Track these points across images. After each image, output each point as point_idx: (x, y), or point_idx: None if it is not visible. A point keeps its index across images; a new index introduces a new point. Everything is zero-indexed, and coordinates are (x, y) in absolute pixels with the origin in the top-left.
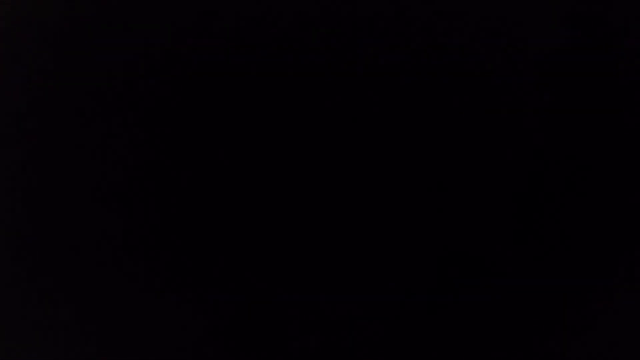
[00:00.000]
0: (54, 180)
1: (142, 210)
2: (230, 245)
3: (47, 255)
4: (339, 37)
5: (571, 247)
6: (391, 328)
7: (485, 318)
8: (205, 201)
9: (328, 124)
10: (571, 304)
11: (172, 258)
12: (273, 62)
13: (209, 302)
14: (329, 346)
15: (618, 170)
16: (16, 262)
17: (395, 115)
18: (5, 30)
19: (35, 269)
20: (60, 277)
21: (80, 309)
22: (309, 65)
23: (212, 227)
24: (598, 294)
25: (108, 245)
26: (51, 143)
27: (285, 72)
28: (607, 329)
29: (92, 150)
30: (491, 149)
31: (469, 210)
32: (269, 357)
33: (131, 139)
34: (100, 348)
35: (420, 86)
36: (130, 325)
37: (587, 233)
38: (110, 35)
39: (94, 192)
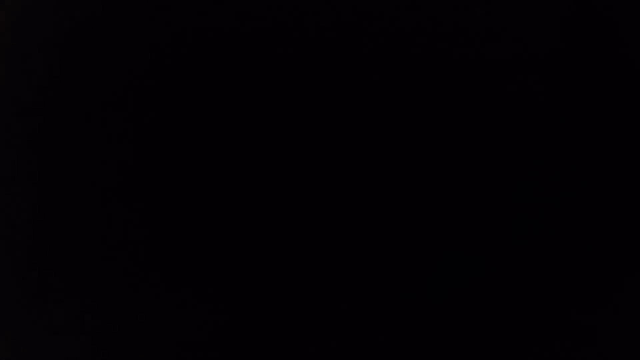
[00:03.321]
0: (56, 179)
1: (144, 209)
2: (229, 247)
3: (49, 254)
4: (338, 36)
5: (571, 248)
6: (390, 330)
7: (484, 319)
8: (206, 202)
9: (328, 125)
10: (571, 305)
11: (171, 259)
12: (272, 61)
13: (208, 304)
14: (327, 348)
15: (618, 171)
16: (19, 260)
17: (393, 116)
18: (6, 30)
19: (39, 267)
20: (61, 275)
21: (77, 308)
22: (309, 65)
23: (212, 228)
24: (598, 294)
25: (110, 245)
26: (51, 142)
27: (284, 72)
28: (607, 329)
29: (95, 149)
30: (489, 151)
31: (468, 211)
32: (267, 359)
33: (134, 138)
34: (100, 347)
35: (418, 88)
36: (128, 327)
37: (586, 234)
38: (110, 35)
39: (97, 191)
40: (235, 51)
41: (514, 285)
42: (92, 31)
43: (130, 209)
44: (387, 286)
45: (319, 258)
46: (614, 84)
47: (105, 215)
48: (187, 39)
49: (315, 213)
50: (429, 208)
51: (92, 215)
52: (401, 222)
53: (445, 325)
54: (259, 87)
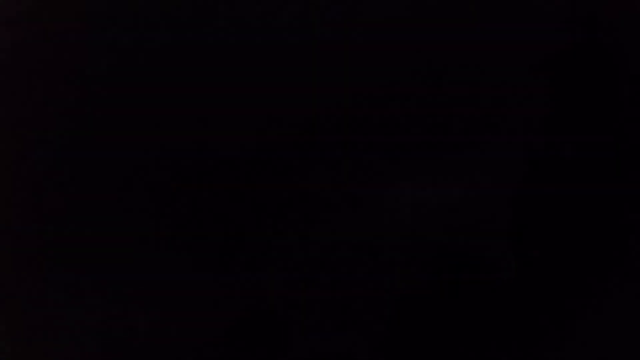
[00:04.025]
0: (66, 168)
1: (150, 204)
2: (230, 247)
3: (57, 245)
4: (335, 36)
5: (572, 248)
6: (390, 330)
7: (483, 319)
8: (207, 202)
9: (330, 124)
10: (570, 306)
11: (176, 256)
12: (272, 61)
13: (208, 304)
14: (326, 349)
15: (618, 171)
16: (27, 248)
17: (393, 116)
18: (8, 31)
19: (46, 256)
20: (68, 270)
21: (82, 304)
22: (308, 63)
23: (215, 227)
24: (598, 294)
25: (116, 239)
26: (56, 135)
27: (283, 70)
28: (606, 329)
29: (111, 137)
30: (489, 151)
31: (469, 211)
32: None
33: (149, 131)
34: (105, 345)
35: (417, 87)
36: (134, 324)
37: (587, 233)
38: (114, 35)
39: (108, 185)
40: (234, 50)
41: (515, 286)
42: (94, 30)
43: (137, 203)
44: (388, 287)
45: (320, 259)
46: (614, 84)
47: (115, 208)
48: (190, 38)
49: (318, 214)
50: (430, 207)
51: (99, 209)
52: (403, 222)
53: (444, 325)
54: (258, 86)
